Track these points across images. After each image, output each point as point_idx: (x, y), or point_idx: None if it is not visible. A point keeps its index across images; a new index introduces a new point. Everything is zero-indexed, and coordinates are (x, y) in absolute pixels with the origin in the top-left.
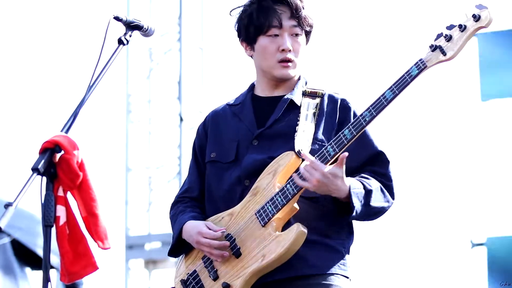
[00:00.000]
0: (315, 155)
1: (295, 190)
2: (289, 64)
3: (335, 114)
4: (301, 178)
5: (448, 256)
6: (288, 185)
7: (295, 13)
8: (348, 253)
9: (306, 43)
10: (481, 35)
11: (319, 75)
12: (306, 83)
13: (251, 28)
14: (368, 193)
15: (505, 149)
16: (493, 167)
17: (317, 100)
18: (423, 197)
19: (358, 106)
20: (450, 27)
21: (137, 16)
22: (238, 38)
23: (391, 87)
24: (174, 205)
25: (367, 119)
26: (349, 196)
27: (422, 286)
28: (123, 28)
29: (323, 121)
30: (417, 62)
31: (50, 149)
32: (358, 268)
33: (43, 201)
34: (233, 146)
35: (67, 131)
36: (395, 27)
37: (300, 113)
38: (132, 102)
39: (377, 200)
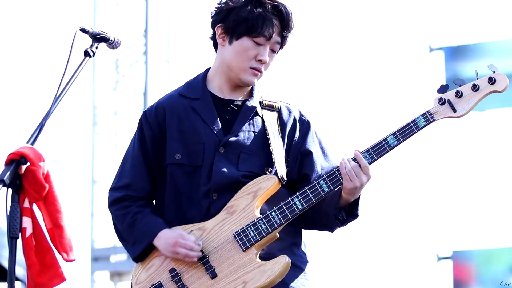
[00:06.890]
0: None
1: (282, 220)
2: (258, 74)
3: (294, 130)
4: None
5: (414, 270)
6: (274, 213)
7: (283, 31)
8: (308, 263)
9: None
10: (447, 48)
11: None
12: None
13: (242, 25)
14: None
15: (472, 164)
16: (459, 183)
17: (275, 114)
18: (389, 211)
19: (312, 119)
20: (460, 83)
21: (104, 28)
22: (215, 20)
23: (395, 133)
24: (118, 201)
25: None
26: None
27: None
28: (89, 40)
29: (286, 139)
30: (424, 113)
31: (15, 161)
32: (323, 283)
33: (8, 213)
34: (200, 148)
35: (33, 143)
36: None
37: (267, 129)
38: (98, 114)
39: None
